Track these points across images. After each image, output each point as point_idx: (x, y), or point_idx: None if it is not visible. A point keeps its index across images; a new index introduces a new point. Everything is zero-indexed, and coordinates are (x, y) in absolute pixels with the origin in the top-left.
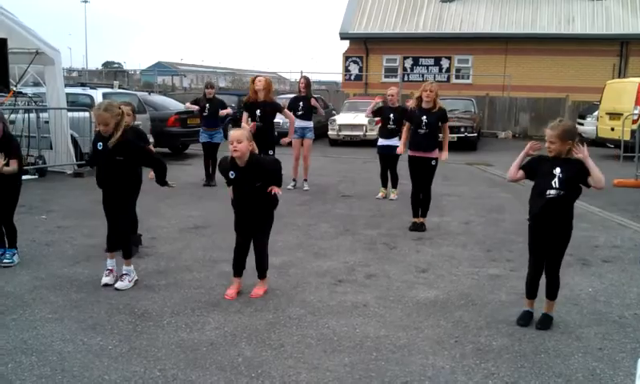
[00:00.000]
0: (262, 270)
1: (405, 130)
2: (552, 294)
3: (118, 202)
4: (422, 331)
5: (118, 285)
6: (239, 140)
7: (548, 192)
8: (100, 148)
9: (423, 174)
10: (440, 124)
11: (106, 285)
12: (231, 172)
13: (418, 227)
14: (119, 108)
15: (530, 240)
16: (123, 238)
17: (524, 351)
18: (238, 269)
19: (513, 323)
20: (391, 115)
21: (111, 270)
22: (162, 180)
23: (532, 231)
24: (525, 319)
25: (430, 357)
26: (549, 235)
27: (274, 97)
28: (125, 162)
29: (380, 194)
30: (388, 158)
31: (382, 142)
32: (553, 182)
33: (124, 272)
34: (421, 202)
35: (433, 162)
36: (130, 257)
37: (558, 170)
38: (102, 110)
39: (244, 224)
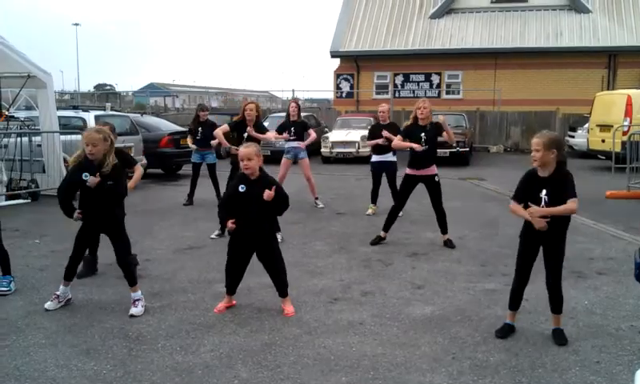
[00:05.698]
0: (283, 290)
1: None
2: (557, 308)
3: (110, 231)
4: (419, 348)
5: (134, 311)
6: (249, 157)
7: None
8: (87, 178)
9: (430, 194)
10: (439, 138)
11: (47, 309)
12: (241, 186)
13: (378, 241)
14: (110, 136)
15: (519, 250)
16: (126, 267)
17: (521, 366)
18: (233, 288)
19: (509, 338)
20: (383, 132)
21: (57, 296)
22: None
23: (522, 243)
24: (503, 332)
25: (428, 374)
26: (540, 251)
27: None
28: (114, 186)
29: (370, 211)
30: (382, 174)
31: (375, 158)
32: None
33: (136, 298)
34: (437, 220)
35: (436, 178)
36: (135, 283)
37: (544, 193)
38: (93, 130)
39: (245, 243)
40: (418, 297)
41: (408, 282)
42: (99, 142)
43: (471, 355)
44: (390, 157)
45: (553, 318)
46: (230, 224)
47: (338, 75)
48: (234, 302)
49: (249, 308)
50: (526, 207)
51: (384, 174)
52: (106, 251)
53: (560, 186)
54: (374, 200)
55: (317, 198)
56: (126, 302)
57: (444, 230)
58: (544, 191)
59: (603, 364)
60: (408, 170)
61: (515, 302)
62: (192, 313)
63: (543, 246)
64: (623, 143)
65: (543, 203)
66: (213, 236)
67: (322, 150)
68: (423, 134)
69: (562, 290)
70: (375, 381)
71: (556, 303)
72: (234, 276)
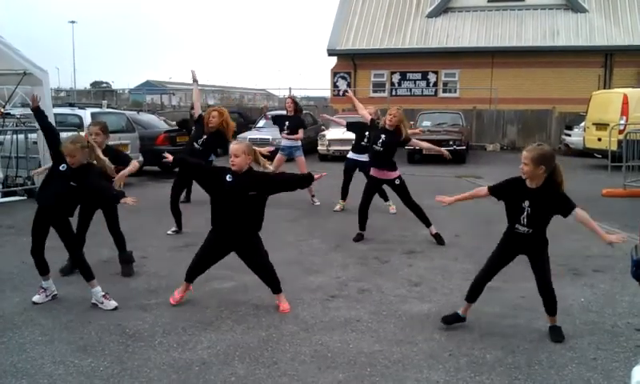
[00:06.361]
0: (275, 286)
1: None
2: (551, 310)
3: (57, 226)
4: (415, 345)
5: (108, 305)
6: (236, 154)
7: (516, 227)
8: (64, 169)
9: (398, 195)
10: (404, 146)
11: (35, 303)
12: (228, 175)
13: (359, 238)
14: (87, 142)
15: (495, 250)
16: (78, 262)
17: (518, 363)
18: (193, 277)
19: (506, 335)
20: (367, 133)
21: (45, 290)
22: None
23: (501, 246)
24: (448, 319)
25: (425, 371)
26: (521, 254)
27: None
28: (77, 189)
29: (338, 207)
30: (354, 172)
31: (351, 155)
32: (522, 218)
33: (96, 293)
34: (416, 216)
35: (397, 181)
36: (92, 278)
37: (527, 204)
38: (68, 141)
39: (223, 241)
40: (414, 294)
41: (405, 279)
42: (76, 152)
43: (468, 352)
44: (366, 157)
45: (548, 318)
46: (168, 157)
47: (335, 73)
48: (191, 287)
49: (245, 305)
50: (508, 212)
51: (358, 173)
52: (101, 249)
53: (547, 199)
54: (344, 196)
55: (313, 196)
56: (122, 298)
57: (427, 224)
58: (527, 202)
59: (600, 361)
60: (371, 170)
61: (474, 295)
62: (189, 310)
63: (527, 254)
64: (619, 142)
65: (525, 214)
66: (169, 232)
67: (319, 147)
68: (383, 136)
69: (554, 293)
70: (372, 377)
71: (550, 306)
72: (200, 268)
